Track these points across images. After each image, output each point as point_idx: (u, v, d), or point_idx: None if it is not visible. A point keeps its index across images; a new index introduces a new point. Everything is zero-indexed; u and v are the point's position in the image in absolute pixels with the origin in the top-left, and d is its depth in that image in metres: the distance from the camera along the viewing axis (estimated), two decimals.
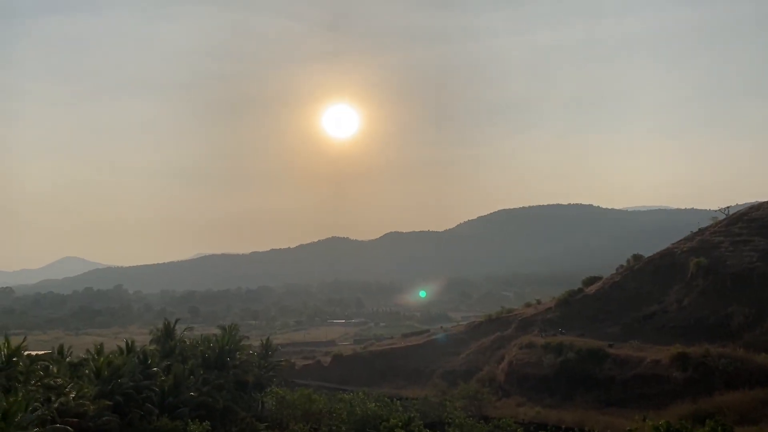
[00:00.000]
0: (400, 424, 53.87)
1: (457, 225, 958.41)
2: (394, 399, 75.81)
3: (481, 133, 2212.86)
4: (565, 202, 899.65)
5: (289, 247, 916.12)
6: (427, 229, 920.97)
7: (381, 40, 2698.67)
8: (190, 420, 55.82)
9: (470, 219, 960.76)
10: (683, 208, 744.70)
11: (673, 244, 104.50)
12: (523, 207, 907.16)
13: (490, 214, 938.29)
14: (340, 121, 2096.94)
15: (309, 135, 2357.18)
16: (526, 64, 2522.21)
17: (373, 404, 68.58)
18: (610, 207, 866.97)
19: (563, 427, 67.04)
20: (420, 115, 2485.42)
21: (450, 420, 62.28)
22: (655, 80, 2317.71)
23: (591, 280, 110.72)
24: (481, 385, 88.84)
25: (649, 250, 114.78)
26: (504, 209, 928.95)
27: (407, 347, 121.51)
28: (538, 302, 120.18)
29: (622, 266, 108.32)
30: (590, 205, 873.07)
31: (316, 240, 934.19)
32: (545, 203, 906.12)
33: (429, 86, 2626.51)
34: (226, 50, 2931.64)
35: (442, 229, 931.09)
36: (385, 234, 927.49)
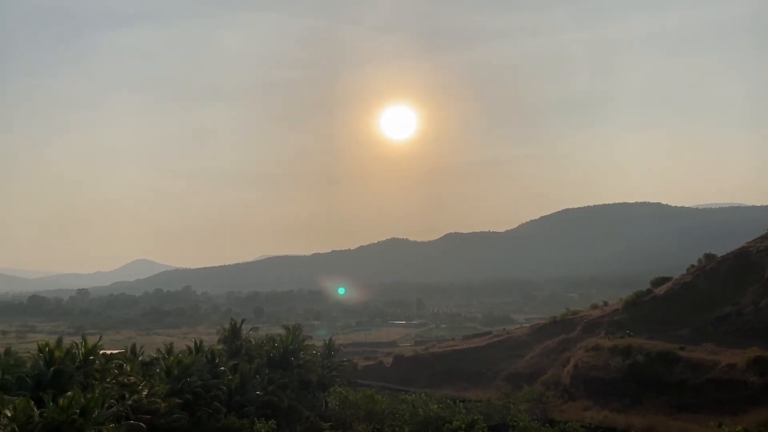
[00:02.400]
0: (463, 426, 53.48)
1: (519, 225, 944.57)
2: (457, 401, 75.28)
3: (543, 131, 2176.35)
4: (631, 201, 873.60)
5: (349, 249, 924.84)
6: (487, 230, 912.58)
7: (440, 40, 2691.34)
8: (256, 418, 56.96)
9: (532, 219, 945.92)
10: (758, 205, 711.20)
11: (748, 242, 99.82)
12: (588, 206, 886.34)
13: (553, 213, 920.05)
14: (400, 122, 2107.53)
15: (369, 137, 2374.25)
16: (590, 60, 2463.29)
17: (436, 406, 68.32)
18: (678, 205, 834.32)
19: None
20: (480, 114, 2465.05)
21: (514, 423, 61.37)
22: (725, 73, 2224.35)
23: (660, 281, 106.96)
24: (546, 388, 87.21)
25: (721, 249, 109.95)
26: (567, 208, 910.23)
27: (469, 349, 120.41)
28: (605, 304, 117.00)
29: (693, 266, 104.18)
30: (658, 203, 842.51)
31: (375, 241, 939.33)
32: (610, 202, 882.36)
33: (489, 85, 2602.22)
34: (287, 57, 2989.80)
35: (504, 230, 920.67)
36: (445, 235, 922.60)
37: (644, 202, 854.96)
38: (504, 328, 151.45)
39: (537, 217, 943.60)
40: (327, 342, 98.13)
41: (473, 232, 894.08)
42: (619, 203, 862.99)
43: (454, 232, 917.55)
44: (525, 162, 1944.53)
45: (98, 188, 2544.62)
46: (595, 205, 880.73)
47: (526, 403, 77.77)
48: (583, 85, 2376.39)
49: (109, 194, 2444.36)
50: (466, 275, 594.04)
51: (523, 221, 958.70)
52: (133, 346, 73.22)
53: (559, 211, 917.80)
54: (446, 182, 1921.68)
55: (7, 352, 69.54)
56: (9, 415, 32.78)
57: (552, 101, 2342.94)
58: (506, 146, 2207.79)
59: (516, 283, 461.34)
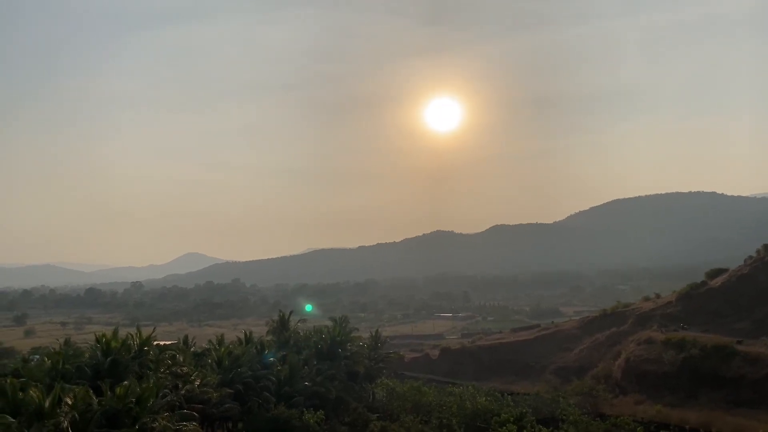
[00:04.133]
0: (511, 419, 53.04)
1: (568, 217, 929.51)
2: (505, 394, 74.84)
3: (591, 119, 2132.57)
4: (684, 190, 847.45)
5: (394, 241, 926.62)
6: (535, 222, 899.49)
7: (483, 29, 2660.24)
8: (304, 409, 57.64)
9: (582, 210, 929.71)
10: None
11: None
12: (639, 196, 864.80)
13: (603, 204, 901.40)
14: (443, 114, 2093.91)
15: (412, 130, 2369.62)
16: (639, 46, 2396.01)
17: (484, 398, 68.04)
18: (735, 194, 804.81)
19: (687, 427, 63.23)
20: (525, 103, 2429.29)
21: (564, 417, 60.57)
22: None
23: (715, 273, 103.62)
24: (596, 381, 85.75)
25: None
26: (618, 199, 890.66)
27: (517, 342, 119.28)
28: (657, 296, 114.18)
29: (751, 257, 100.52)
30: (713, 193, 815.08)
31: (420, 234, 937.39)
32: (663, 192, 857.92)
33: (534, 74, 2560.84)
34: (328, 51, 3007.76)
35: (552, 221, 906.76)
36: (491, 227, 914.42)
37: (698, 192, 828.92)
38: (552, 321, 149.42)
39: (586, 207, 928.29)
40: (373, 334, 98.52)
41: (520, 224, 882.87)
42: (672, 193, 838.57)
43: (501, 224, 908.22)
44: (573, 152, 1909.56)
45: (151, 184, 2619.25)
46: (646, 196, 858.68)
47: (576, 397, 76.60)
48: (632, 72, 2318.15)
49: (162, 190, 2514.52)
50: (513, 268, 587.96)
51: (572, 212, 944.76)
52: (186, 338, 74.96)
53: (609, 202, 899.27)
54: (492, 173, 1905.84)
55: (67, 342, 72.40)
56: (69, 403, 34.02)
57: (600, 89, 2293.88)
58: (553, 136, 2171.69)
59: (564, 276, 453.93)
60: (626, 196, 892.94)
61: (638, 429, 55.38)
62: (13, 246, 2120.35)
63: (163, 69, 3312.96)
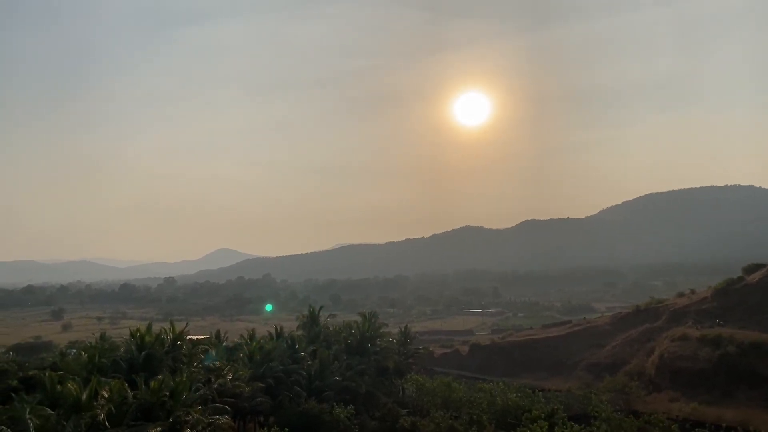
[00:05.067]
0: (542, 415, 52.50)
1: (600, 211, 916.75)
2: (536, 390, 74.13)
3: (624, 112, 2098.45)
4: (720, 184, 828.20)
5: (423, 237, 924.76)
6: (566, 217, 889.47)
7: (512, 22, 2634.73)
8: (335, 403, 57.95)
9: (614, 204, 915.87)
10: None
11: None
12: (673, 190, 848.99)
13: (636, 198, 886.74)
14: (472, 109, 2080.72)
15: (441, 125, 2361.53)
16: (675, 36, 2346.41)
17: (514, 395, 67.53)
18: None
19: (724, 426, 61.81)
20: (556, 97, 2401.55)
21: (596, 413, 59.75)
22: None
23: (753, 268, 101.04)
24: (629, 378, 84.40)
25: None
26: (651, 193, 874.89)
27: (548, 338, 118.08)
28: (692, 292, 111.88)
29: None
30: (750, 186, 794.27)
31: (450, 229, 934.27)
32: (698, 185, 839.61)
33: (566, 66, 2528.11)
34: (357, 47, 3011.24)
35: (583, 216, 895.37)
36: (522, 222, 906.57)
37: (735, 185, 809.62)
38: (584, 317, 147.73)
39: (619, 202, 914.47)
40: (403, 329, 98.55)
41: (551, 219, 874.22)
42: (708, 187, 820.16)
43: (531, 219, 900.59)
44: (605, 145, 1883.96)
45: (183, 181, 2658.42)
46: (680, 190, 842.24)
47: (608, 394, 75.52)
48: (667, 63, 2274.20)
49: (193, 186, 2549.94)
50: (544, 263, 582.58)
51: (604, 207, 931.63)
52: (218, 332, 76.01)
53: (642, 196, 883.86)
54: (522, 168, 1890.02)
55: (102, 337, 73.94)
56: (106, 395, 34.75)
57: (633, 81, 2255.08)
58: (585, 129, 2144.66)
59: (596, 272, 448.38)
60: (659, 191, 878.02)
61: (673, 427, 54.36)
62: (51, 243, 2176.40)
63: (194, 67, 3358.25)
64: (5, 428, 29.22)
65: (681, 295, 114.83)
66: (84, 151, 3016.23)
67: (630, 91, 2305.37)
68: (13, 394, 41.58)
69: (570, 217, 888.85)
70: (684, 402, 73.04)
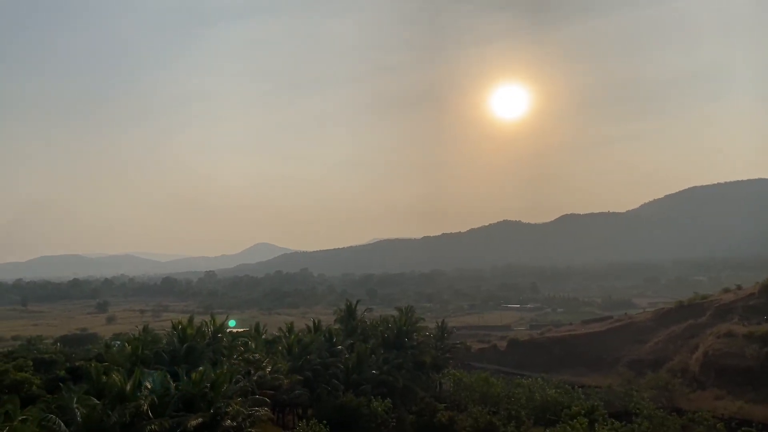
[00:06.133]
0: (582, 412, 51.77)
1: (641, 205, 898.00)
2: (575, 386, 73.20)
3: (666, 104, 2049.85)
4: None
5: (460, 232, 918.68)
6: (606, 210, 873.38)
7: (551, 13, 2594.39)
8: (372, 397, 58.16)
9: (656, 198, 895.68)
10: None
11: None
12: (719, 183, 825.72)
13: (679, 192, 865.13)
14: (510, 102, 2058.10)
15: (479, 118, 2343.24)
16: (720, 24, 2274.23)
17: (553, 391, 66.82)
18: None
19: None
20: (596, 88, 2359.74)
21: (637, 411, 58.71)
22: None
23: None
24: (672, 375, 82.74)
25: None
26: (695, 186, 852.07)
27: (588, 334, 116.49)
28: (738, 287, 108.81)
29: None
30: None
31: (487, 224, 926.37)
32: (744, 178, 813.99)
33: (604, 57, 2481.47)
34: (395, 41, 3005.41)
35: (624, 210, 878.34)
36: (561, 216, 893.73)
37: None
38: (625, 313, 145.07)
39: (661, 195, 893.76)
40: (440, 324, 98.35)
41: (591, 213, 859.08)
42: (756, 179, 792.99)
43: (570, 213, 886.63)
44: (647, 138, 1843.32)
45: (222, 176, 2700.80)
46: (726, 182, 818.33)
47: (651, 391, 74.11)
48: (710, 53, 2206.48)
49: (233, 181, 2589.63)
50: (584, 258, 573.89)
51: (646, 201, 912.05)
52: (257, 325, 76.92)
53: (685, 189, 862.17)
54: (560, 161, 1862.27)
55: (145, 329, 75.55)
56: (149, 386, 35.54)
57: (675, 72, 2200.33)
58: (626, 121, 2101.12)
59: (638, 266, 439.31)
60: (704, 183, 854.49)
61: (718, 425, 53.03)
62: (95, 237, 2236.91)
63: (234, 64, 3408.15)
64: (54, 417, 30.09)
65: (726, 290, 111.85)
66: (128, 147, 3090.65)
67: (673, 81, 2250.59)
68: (60, 384, 42.78)
69: (610, 210, 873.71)
70: (730, 400, 71.19)
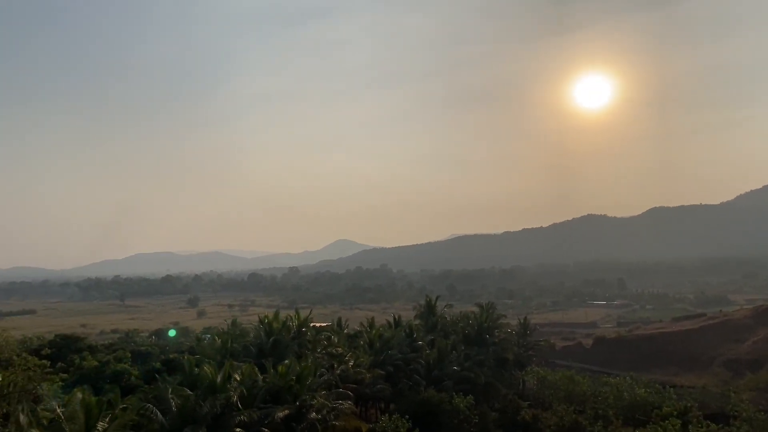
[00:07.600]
0: (675, 413, 49.64)
1: (737, 196, 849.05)
2: (666, 386, 70.32)
3: (764, 89, 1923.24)
4: None
5: (541, 227, 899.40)
6: (698, 203, 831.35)
7: None
8: (454, 393, 57.89)
9: (753, 189, 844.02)
10: None
11: None
12: None
13: None
14: (594, 92, 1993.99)
15: (559, 110, 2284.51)
16: None
17: (643, 390, 64.45)
18: None
19: None
20: (686, 75, 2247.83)
21: (736, 413, 55.70)
22: None
23: None
24: None
25: None
26: None
27: (680, 332, 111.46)
28: None
29: None
30: None
31: (570, 218, 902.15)
32: None
33: (696, 42, 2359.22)
34: (469, 34, 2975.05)
35: (717, 202, 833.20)
36: (649, 210, 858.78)
37: None
38: (721, 310, 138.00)
39: (759, 186, 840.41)
40: (522, 321, 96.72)
41: (681, 206, 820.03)
42: None
43: (659, 206, 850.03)
44: (742, 126, 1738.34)
45: (305, 174, 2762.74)
46: None
47: (750, 392, 70.10)
48: None
49: (314, 180, 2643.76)
50: (674, 253, 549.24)
51: (742, 192, 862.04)
52: (339, 320, 78.09)
53: None
54: (648, 152, 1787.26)
55: (233, 323, 78.20)
56: (238, 378, 36.90)
57: None
58: (718, 109, 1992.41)
59: (734, 261, 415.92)
60: None
61: None
62: (186, 236, 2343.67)
63: (311, 63, 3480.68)
64: (151, 406, 31.76)
65: None
66: (214, 148, 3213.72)
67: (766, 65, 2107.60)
68: (156, 375, 45.04)
69: (703, 203, 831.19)
70: None
